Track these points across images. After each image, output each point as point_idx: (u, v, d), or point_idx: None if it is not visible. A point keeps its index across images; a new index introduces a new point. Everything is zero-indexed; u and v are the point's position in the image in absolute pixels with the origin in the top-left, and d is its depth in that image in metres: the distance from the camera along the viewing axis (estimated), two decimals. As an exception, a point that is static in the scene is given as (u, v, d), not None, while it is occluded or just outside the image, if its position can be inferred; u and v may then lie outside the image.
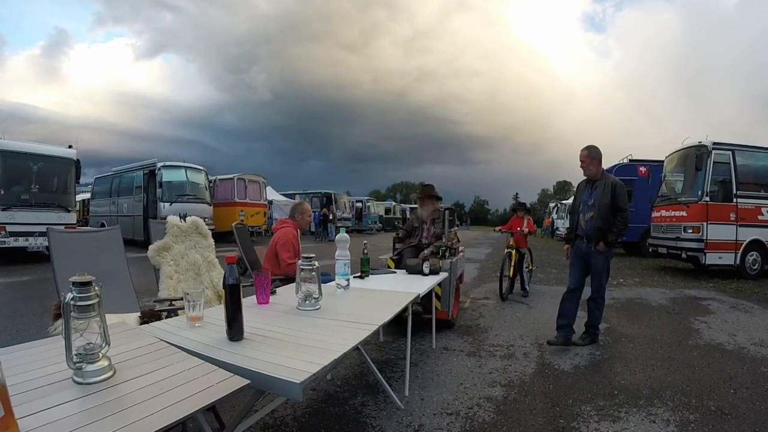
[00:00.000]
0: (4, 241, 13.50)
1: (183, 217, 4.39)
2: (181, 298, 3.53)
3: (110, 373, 1.75)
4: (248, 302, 3.15)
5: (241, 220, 21.11)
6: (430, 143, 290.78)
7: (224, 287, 2.32)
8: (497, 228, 9.96)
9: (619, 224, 5.38)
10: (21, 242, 13.84)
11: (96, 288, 1.74)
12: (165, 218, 4.36)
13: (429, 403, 3.81)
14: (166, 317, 3.26)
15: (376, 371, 3.46)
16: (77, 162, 15.87)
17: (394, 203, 54.11)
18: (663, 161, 14.13)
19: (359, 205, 40.91)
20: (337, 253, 3.82)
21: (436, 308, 5.61)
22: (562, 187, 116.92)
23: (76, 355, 1.71)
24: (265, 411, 2.94)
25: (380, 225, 41.82)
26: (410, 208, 47.66)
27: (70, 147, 16.06)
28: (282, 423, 3.44)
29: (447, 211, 6.67)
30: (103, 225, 23.37)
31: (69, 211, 15.26)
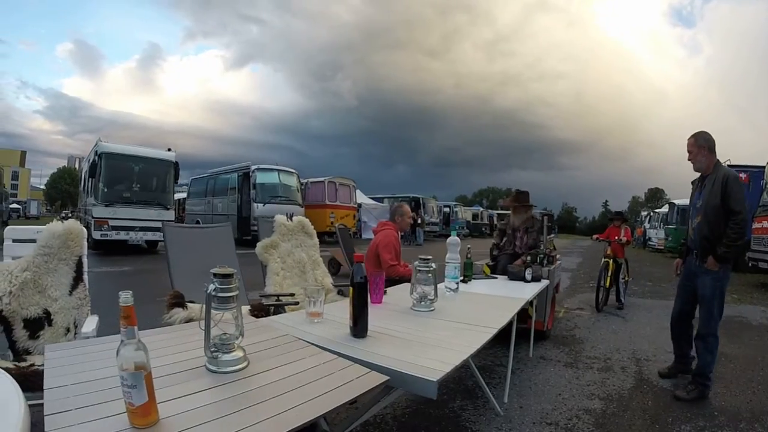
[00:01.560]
0: (107, 234, 14.64)
1: (290, 216, 4.48)
2: (290, 294, 3.62)
3: (244, 364, 1.78)
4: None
5: (331, 222, 21.38)
6: (515, 148, 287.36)
7: (352, 285, 2.33)
8: (595, 236, 9.69)
9: (732, 232, 4.05)
10: (122, 236, 14.96)
11: (236, 281, 1.77)
12: (258, 218, 4.46)
13: (528, 412, 3.75)
14: (273, 312, 3.33)
15: (479, 376, 3.42)
16: (176, 164, 17.08)
17: (481, 209, 53.50)
18: (764, 167, 13.05)
19: (446, 210, 40.64)
20: (447, 256, 3.81)
21: (532, 317, 5.40)
22: (654, 195, 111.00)
23: (213, 344, 1.75)
24: (377, 408, 2.97)
25: (467, 231, 40.96)
26: (497, 214, 47.01)
27: (169, 150, 17.39)
28: (382, 421, 3.46)
29: (545, 218, 6.54)
30: (197, 223, 24.47)
31: (168, 209, 16.28)
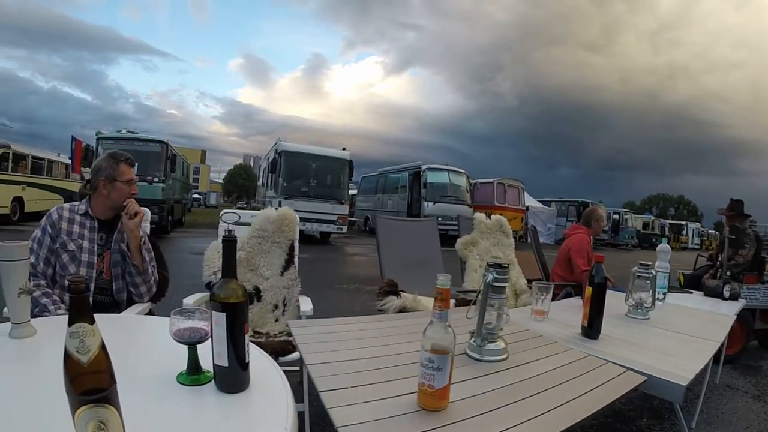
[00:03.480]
0: (284, 224, 15.40)
1: (488, 215, 4.46)
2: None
3: (505, 356, 1.78)
4: (569, 303, 3.09)
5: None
6: (687, 149, 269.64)
7: (591, 284, 2.28)
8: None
9: None
10: (299, 226, 15.61)
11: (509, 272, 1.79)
12: (428, 216, 4.48)
13: (715, 442, 3.46)
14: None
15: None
16: (350, 162, 17.95)
17: (652, 217, 49.89)
18: None
19: (615, 216, 38.54)
20: (657, 264, 3.63)
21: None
22: None
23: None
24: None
25: (636, 241, 38.14)
26: (669, 223, 44.20)
27: (344, 149, 18.39)
28: (569, 429, 3.33)
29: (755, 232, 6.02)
30: (367, 219, 25.32)
31: (342, 204, 17.08)
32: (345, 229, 17.20)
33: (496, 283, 1.74)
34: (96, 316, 2.17)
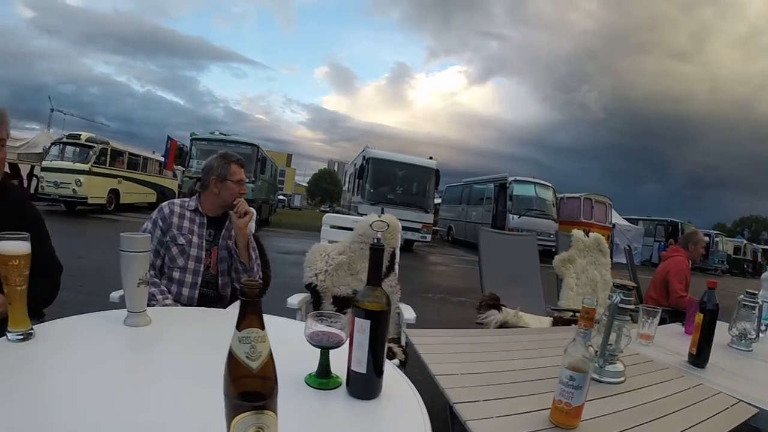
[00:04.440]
0: (371, 230, 15.72)
1: (587, 232, 4.41)
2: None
3: (623, 379, 1.79)
4: (671, 329, 3.03)
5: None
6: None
7: (702, 311, 2.25)
8: None
9: None
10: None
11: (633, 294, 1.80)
12: (513, 230, 4.44)
13: None
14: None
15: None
16: (436, 171, 17.99)
17: (744, 241, 46.67)
18: None
19: (706, 239, 36.48)
20: (761, 293, 3.49)
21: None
22: None
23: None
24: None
25: (726, 266, 35.22)
26: (762, 249, 41.64)
27: (430, 158, 18.46)
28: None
29: None
30: (450, 228, 25.27)
31: (428, 212, 17.18)
32: (429, 237, 17.24)
33: (622, 305, 1.76)
34: (206, 310, 2.30)
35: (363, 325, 1.24)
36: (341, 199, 28.13)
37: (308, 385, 1.29)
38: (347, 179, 24.16)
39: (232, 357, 0.84)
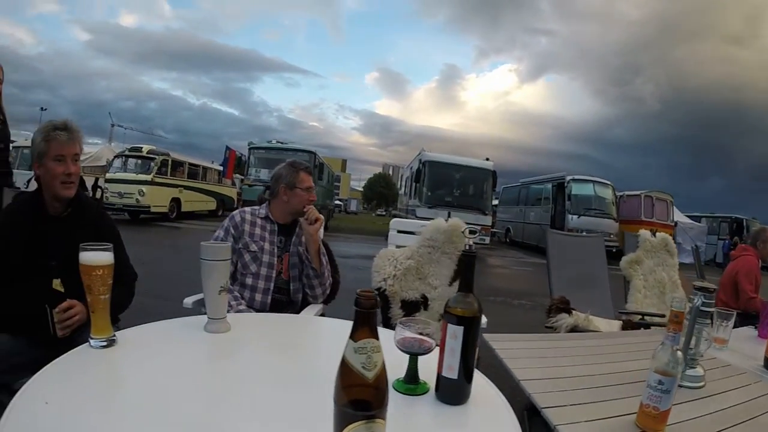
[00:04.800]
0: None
1: (654, 232, 4.31)
2: (659, 314, 3.46)
3: (703, 383, 1.76)
4: (742, 332, 2.94)
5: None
6: None
7: None
8: None
9: None
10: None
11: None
12: (572, 230, 4.38)
13: None
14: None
15: None
16: (494, 172, 17.91)
17: None
18: None
19: None
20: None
21: None
22: None
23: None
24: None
25: None
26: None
27: (487, 159, 18.35)
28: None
29: None
30: (508, 230, 25.25)
31: (486, 214, 17.06)
32: (487, 240, 17.17)
33: (704, 308, 1.73)
34: (281, 315, 2.34)
35: (456, 332, 1.25)
36: (398, 202, 28.21)
37: (396, 390, 1.30)
38: (403, 183, 24.17)
39: (346, 366, 0.85)
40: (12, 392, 1.97)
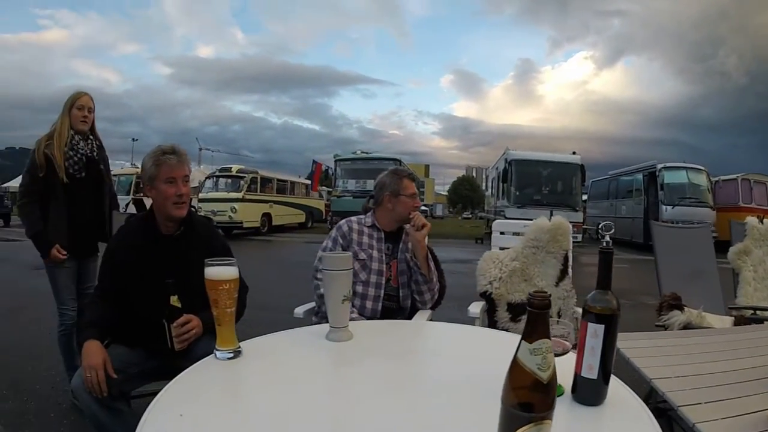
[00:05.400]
0: (518, 233, 15.71)
1: (761, 219, 4.14)
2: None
3: None
4: None
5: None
6: None
7: None
8: None
9: None
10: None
11: None
12: (666, 222, 4.22)
13: None
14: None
15: None
16: (582, 166, 17.52)
17: None
18: None
19: None
20: None
21: None
22: None
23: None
24: None
25: None
26: None
27: (573, 153, 17.95)
28: None
29: None
30: (599, 226, 24.45)
31: (576, 211, 16.89)
32: (579, 237, 16.54)
33: None
34: (395, 321, 2.42)
35: (597, 330, 1.23)
36: (484, 204, 28.00)
37: None
38: (490, 184, 24.04)
39: (518, 367, 0.86)
40: (128, 399, 2.15)
